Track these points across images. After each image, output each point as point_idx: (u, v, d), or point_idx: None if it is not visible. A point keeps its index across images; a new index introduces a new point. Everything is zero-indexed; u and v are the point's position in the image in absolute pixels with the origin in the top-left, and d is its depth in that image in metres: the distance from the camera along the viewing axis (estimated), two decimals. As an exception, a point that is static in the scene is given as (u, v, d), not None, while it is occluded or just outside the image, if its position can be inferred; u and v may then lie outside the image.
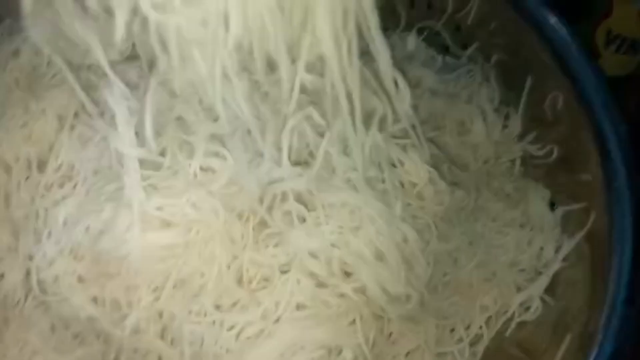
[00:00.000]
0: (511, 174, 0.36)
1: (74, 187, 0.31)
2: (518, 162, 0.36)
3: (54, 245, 0.30)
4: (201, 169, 0.31)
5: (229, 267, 0.29)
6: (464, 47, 0.40)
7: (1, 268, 0.31)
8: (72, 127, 0.32)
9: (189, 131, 0.30)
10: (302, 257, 0.29)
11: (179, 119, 0.30)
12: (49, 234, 0.31)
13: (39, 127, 0.32)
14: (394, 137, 0.32)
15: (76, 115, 0.32)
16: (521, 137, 0.37)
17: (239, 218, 0.29)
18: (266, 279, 0.29)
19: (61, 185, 0.31)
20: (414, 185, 0.32)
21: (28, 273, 0.31)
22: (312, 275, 0.29)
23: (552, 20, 0.35)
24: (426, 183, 0.31)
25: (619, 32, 0.43)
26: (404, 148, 0.32)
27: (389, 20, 0.42)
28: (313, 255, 0.29)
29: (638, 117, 0.48)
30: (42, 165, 0.32)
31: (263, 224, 0.30)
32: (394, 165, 0.31)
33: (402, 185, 0.31)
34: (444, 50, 0.41)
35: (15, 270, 0.31)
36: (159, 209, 0.30)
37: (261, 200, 0.30)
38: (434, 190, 0.31)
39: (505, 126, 0.37)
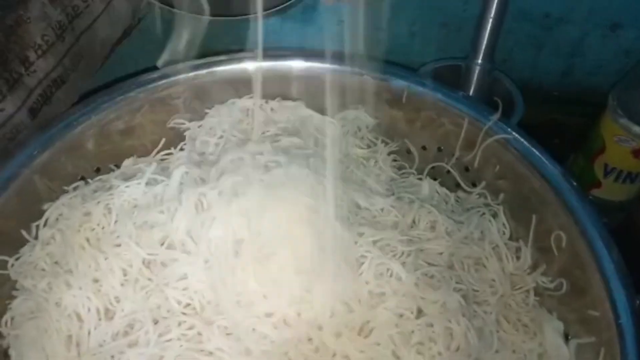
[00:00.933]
0: (527, 304, 0.39)
1: (138, 336, 0.35)
2: (532, 292, 0.39)
3: (120, 390, 0.34)
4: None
5: None
6: (474, 184, 0.45)
7: (73, 411, 0.35)
8: (136, 280, 0.37)
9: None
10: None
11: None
12: (115, 380, 0.34)
13: (107, 282, 0.37)
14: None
15: (139, 269, 0.37)
16: (532, 269, 0.40)
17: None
18: None
19: (126, 335, 0.36)
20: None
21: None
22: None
23: (549, 165, 0.40)
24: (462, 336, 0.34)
25: (615, 166, 0.47)
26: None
27: (405, 161, 0.48)
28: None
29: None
30: (109, 315, 0.37)
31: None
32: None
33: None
34: (456, 186, 0.46)
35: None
36: (211, 354, 0.34)
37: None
38: (464, 339, 0.34)
39: (517, 257, 0.41)
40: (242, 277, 0.35)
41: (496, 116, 0.42)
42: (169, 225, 0.37)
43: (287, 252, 0.35)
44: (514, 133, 0.42)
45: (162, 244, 0.37)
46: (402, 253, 0.37)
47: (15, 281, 0.40)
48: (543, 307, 0.39)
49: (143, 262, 0.37)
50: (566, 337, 0.37)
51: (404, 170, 0.47)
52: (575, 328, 0.37)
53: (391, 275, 0.37)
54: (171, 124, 0.48)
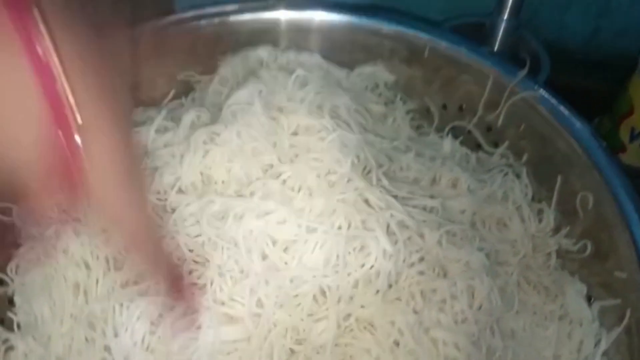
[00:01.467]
0: (548, 266, 0.38)
1: (148, 285, 0.34)
2: (554, 255, 0.38)
3: (129, 338, 0.33)
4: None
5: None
6: (495, 145, 0.44)
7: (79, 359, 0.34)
8: (147, 229, 0.36)
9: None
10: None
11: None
12: (124, 327, 0.33)
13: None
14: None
15: (150, 218, 0.36)
16: (555, 231, 0.39)
17: (309, 315, 0.32)
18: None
19: (136, 283, 0.34)
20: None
21: (105, 364, 0.33)
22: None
23: (577, 124, 0.39)
24: (485, 295, 0.33)
25: (642, 130, 0.46)
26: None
27: (424, 120, 0.47)
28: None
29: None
30: (119, 264, 0.36)
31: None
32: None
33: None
34: (477, 147, 0.44)
35: (92, 361, 0.33)
36: (223, 304, 0.33)
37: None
38: (487, 298, 0.33)
39: (540, 220, 0.40)
40: (257, 227, 0.34)
41: (523, 72, 0.40)
42: (179, 169, 0.36)
43: (303, 202, 0.34)
44: (541, 91, 0.40)
45: (172, 189, 0.36)
46: (424, 209, 0.36)
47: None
48: (565, 270, 0.38)
49: (153, 210, 0.36)
50: (588, 300, 0.36)
51: (422, 130, 0.46)
52: (599, 291, 0.36)
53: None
54: (181, 76, 0.46)
